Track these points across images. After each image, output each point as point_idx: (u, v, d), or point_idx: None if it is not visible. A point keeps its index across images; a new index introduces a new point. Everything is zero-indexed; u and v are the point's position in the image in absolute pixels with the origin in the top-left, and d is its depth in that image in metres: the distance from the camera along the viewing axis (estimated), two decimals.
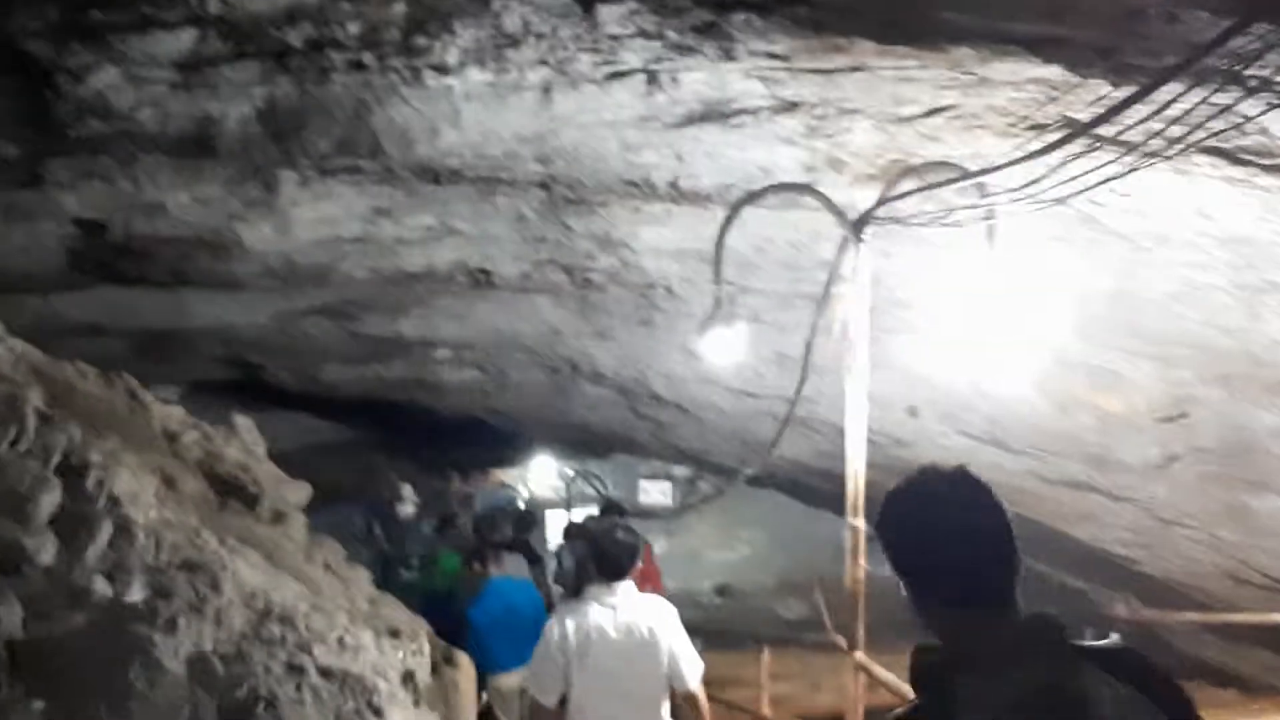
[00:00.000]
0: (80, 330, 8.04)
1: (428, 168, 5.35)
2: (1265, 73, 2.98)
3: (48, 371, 3.12)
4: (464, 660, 4.41)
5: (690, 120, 4.61)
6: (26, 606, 2.27)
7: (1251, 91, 3.08)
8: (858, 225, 4.63)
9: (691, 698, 4.75)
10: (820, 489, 10.42)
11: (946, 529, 2.20)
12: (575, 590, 5.13)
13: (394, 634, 3.07)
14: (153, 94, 4.79)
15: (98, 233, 6.37)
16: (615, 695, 4.58)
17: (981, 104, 4.05)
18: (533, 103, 4.55)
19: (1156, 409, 5.79)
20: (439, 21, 4.16)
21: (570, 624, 4.62)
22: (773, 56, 4.05)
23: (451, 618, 6.49)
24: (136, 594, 2.35)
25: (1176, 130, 3.35)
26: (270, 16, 4.28)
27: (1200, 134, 3.36)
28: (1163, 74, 3.12)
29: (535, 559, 9.01)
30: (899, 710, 2.25)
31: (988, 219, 4.37)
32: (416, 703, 3.27)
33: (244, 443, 3.53)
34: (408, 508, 13.31)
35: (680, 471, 18.52)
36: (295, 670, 2.43)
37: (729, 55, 4.07)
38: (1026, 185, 3.82)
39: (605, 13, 3.96)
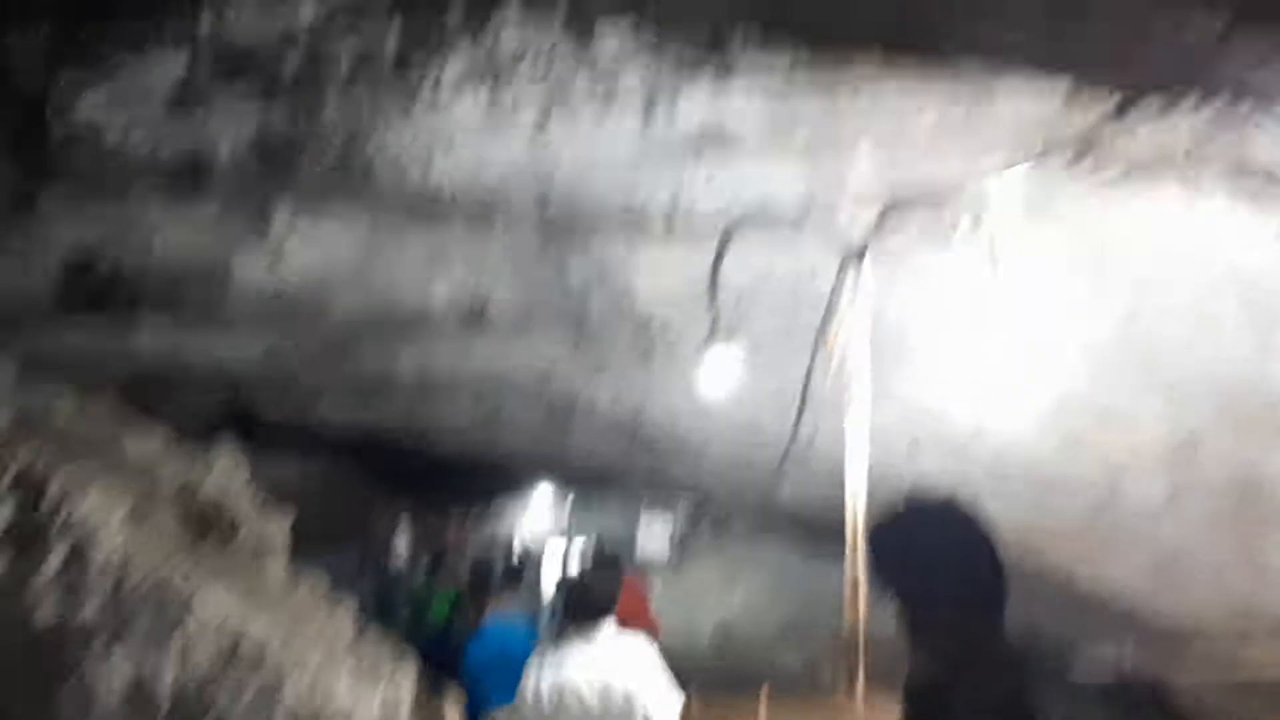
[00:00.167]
0: (71, 364, 7.93)
1: (422, 198, 5.28)
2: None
3: (21, 394, 3.05)
4: (452, 696, 4.31)
5: (688, 147, 4.56)
6: None
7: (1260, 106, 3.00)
8: (859, 250, 4.56)
9: None
10: (821, 528, 10.28)
11: (937, 555, 2.24)
12: (558, 635, 5.15)
13: (374, 670, 2.96)
14: (144, 123, 4.74)
15: (88, 265, 6.30)
16: None
17: (986, 124, 3.99)
18: (528, 130, 4.50)
19: (1164, 446, 5.69)
20: (433, 47, 4.11)
21: (546, 683, 4.63)
22: (771, 79, 3.99)
23: (446, 655, 6.44)
24: (87, 618, 2.25)
25: (1184, 146, 3.30)
26: (262, 43, 4.24)
27: (1208, 150, 3.30)
28: (1169, 88, 3.07)
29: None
30: None
31: (990, 239, 4.29)
32: None
33: (225, 471, 3.44)
34: (404, 548, 13.25)
35: (679, 512, 18.41)
36: (262, 705, 2.33)
37: (727, 80, 4.01)
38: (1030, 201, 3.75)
39: (602, 38, 3.91)
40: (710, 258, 5.28)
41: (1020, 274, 4.58)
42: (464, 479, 14.20)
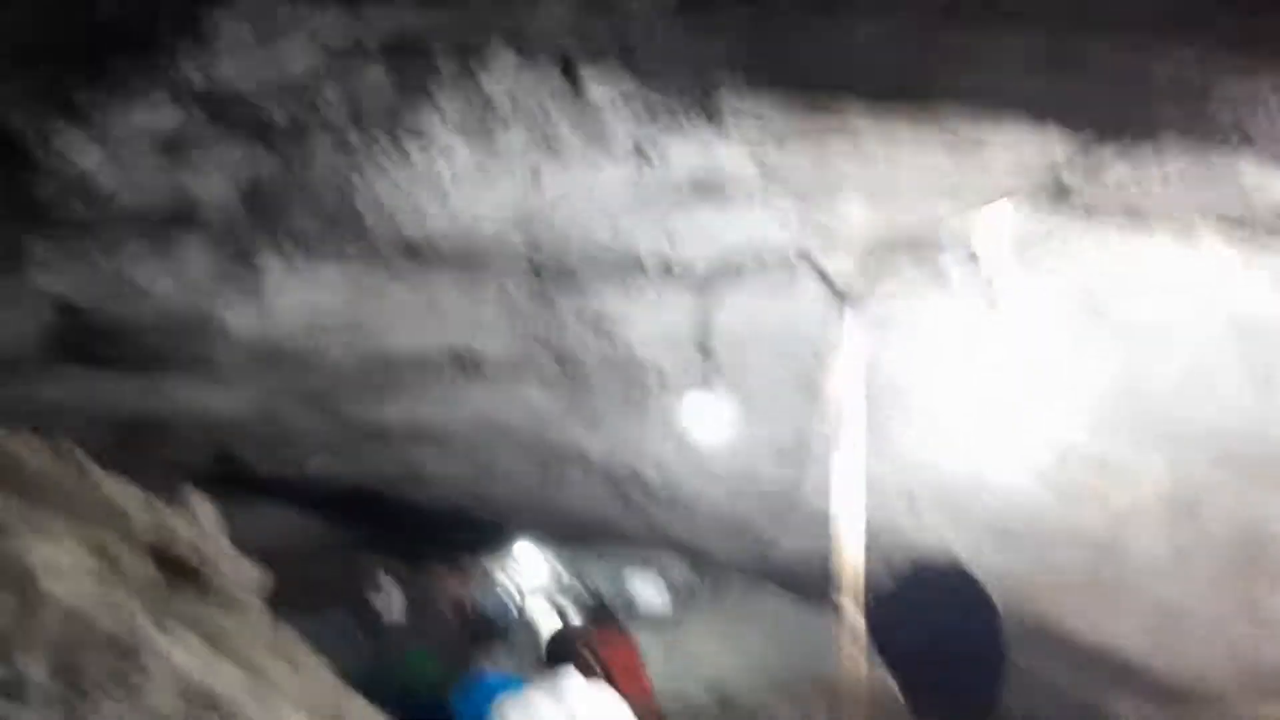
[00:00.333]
0: (58, 415, 7.91)
1: (414, 249, 5.30)
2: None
3: None
4: None
5: (679, 197, 4.58)
6: None
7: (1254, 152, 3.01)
8: (851, 298, 4.56)
9: None
10: (817, 581, 10.23)
11: (939, 628, 2.11)
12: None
13: None
14: (135, 173, 4.75)
15: (78, 315, 6.29)
16: None
17: (977, 172, 4.00)
18: (519, 179, 4.52)
19: (1166, 499, 5.66)
20: (426, 98, 4.13)
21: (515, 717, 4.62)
22: (762, 130, 4.01)
23: (429, 715, 6.42)
24: (33, 672, 2.21)
25: (1178, 193, 3.30)
26: (254, 92, 4.26)
27: (1203, 198, 3.31)
28: (1162, 135, 3.08)
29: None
30: None
31: (985, 286, 4.30)
32: None
33: (201, 522, 3.40)
34: (394, 607, 13.16)
35: (675, 569, 18.32)
36: None
37: (717, 130, 4.03)
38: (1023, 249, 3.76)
39: (592, 84, 3.93)
40: (704, 310, 5.27)
41: (1015, 323, 4.58)
42: (455, 533, 14.12)
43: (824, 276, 4.76)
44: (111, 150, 4.57)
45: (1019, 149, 3.72)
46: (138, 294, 5.94)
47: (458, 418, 8.61)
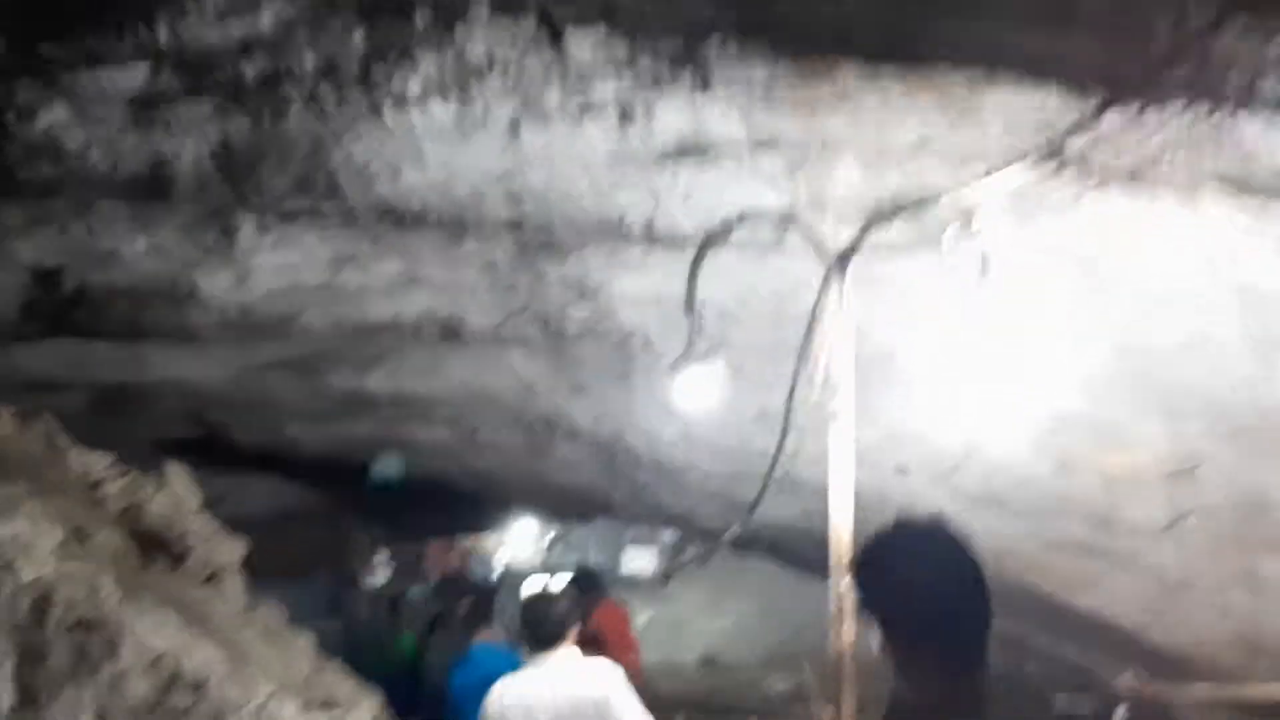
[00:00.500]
0: (35, 385, 7.86)
1: (390, 210, 5.22)
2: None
3: None
4: None
5: (665, 158, 4.51)
6: None
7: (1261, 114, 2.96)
8: (842, 259, 4.50)
9: None
10: (806, 552, 10.23)
11: (923, 580, 2.28)
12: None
13: (328, 706, 2.89)
14: (104, 133, 4.68)
15: (51, 282, 6.23)
16: None
17: (972, 134, 3.95)
18: (499, 139, 4.45)
19: (1163, 466, 5.64)
20: (399, 52, 4.07)
21: (511, 700, 4.63)
22: (751, 86, 3.95)
23: (412, 691, 6.48)
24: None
25: (1181, 155, 3.26)
26: (224, 49, 4.19)
27: (1206, 161, 3.26)
28: (1165, 95, 3.03)
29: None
30: None
31: (979, 251, 4.25)
32: None
33: (175, 494, 3.36)
34: (380, 578, 13.16)
35: (665, 538, 18.35)
36: None
37: (705, 86, 3.98)
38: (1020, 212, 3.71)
39: (574, 42, 3.87)
40: (690, 271, 5.22)
41: (1011, 287, 4.54)
42: (440, 504, 14.11)
43: (814, 240, 4.70)
44: (80, 114, 4.50)
45: (1016, 109, 3.66)
46: (110, 259, 5.87)
47: (440, 385, 8.57)
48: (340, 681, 3.36)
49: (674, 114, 4.21)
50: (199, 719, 2.32)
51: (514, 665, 6.42)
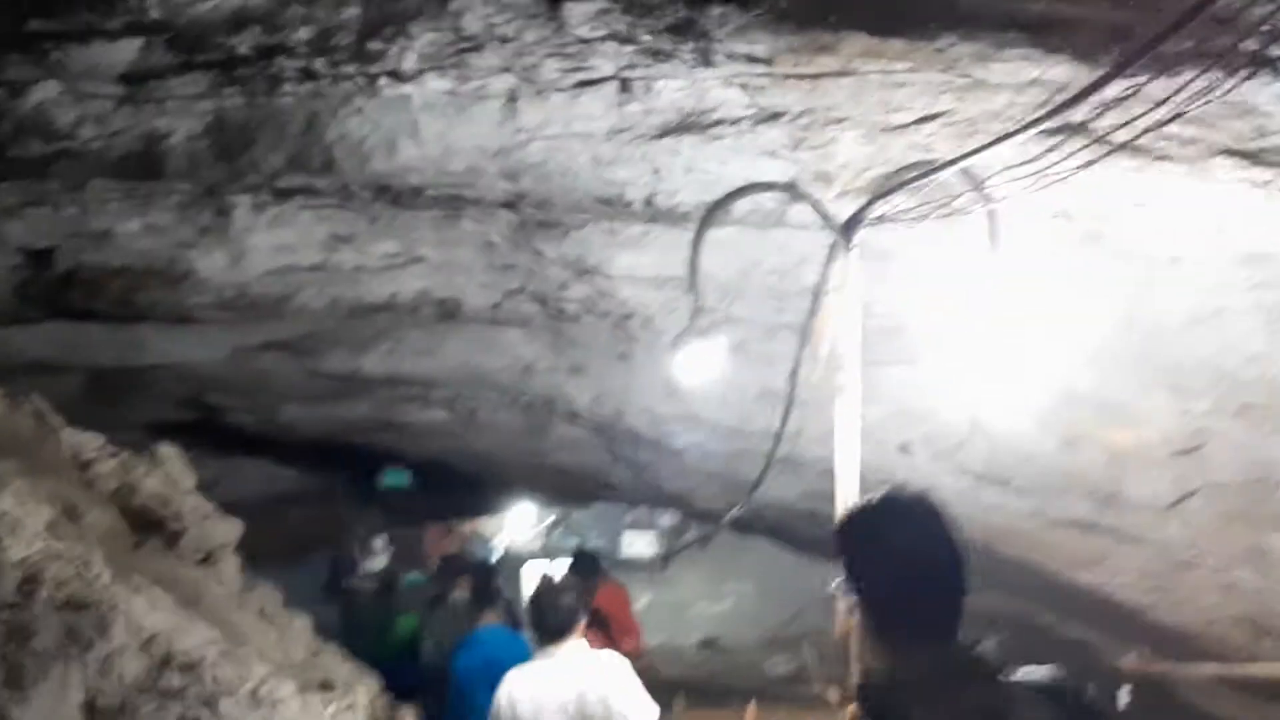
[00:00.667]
0: (29, 368, 7.83)
1: (386, 186, 5.19)
2: None
3: None
4: (411, 714, 4.24)
5: (666, 132, 4.46)
6: None
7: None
8: (847, 228, 4.45)
9: None
10: (807, 531, 10.23)
11: (902, 554, 2.35)
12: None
13: (325, 688, 2.85)
14: (95, 110, 4.64)
15: (45, 263, 6.19)
16: None
17: (978, 110, 3.90)
18: (497, 113, 4.39)
19: (1170, 442, 5.61)
20: (394, 24, 4.00)
21: (520, 694, 4.72)
22: (753, 60, 3.89)
23: (409, 673, 6.50)
24: None
25: (1192, 126, 3.21)
26: (216, 23, 4.12)
27: (1218, 132, 3.22)
28: (1176, 65, 2.98)
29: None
30: None
31: (988, 212, 4.19)
32: None
33: (169, 473, 3.32)
34: (378, 562, 13.13)
35: (665, 520, 18.35)
36: (195, 717, 2.22)
37: (707, 59, 3.92)
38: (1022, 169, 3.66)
39: (573, 13, 3.81)
40: (690, 246, 5.18)
41: (1017, 260, 4.48)
42: (438, 486, 14.09)
43: (817, 215, 4.66)
44: (69, 85, 4.45)
45: (1023, 78, 3.60)
46: (103, 239, 5.84)
47: (437, 366, 8.54)
48: (338, 663, 3.34)
49: (674, 87, 4.15)
50: (193, 700, 2.28)
51: (516, 647, 6.43)
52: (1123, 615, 7.93)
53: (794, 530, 11.07)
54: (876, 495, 2.49)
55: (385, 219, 5.70)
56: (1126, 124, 3.38)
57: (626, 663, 4.98)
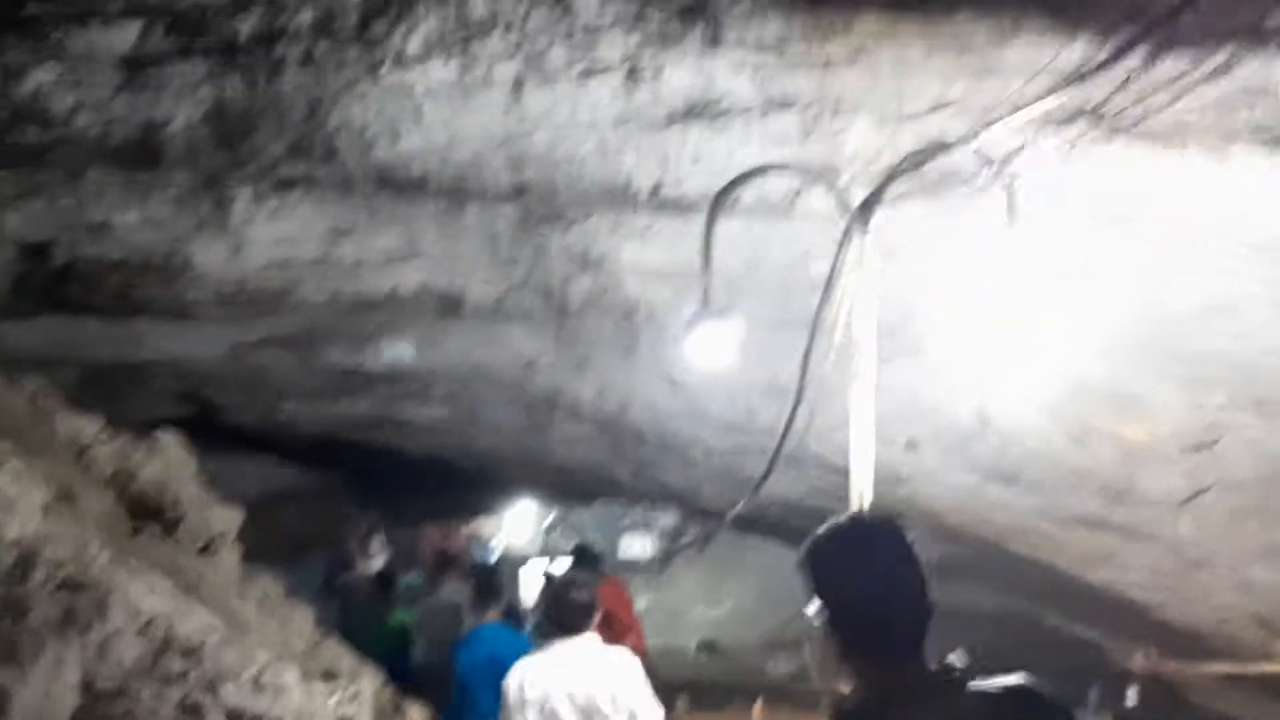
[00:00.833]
0: (26, 362, 7.76)
1: (389, 178, 5.13)
2: None
3: None
4: (415, 712, 4.20)
5: (674, 120, 4.41)
6: None
7: None
8: (864, 210, 4.38)
9: None
10: (811, 530, 10.14)
11: (868, 580, 2.44)
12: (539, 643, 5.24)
13: (330, 676, 2.80)
14: (93, 96, 4.58)
15: (41, 255, 6.14)
16: None
17: (992, 96, 3.85)
18: (502, 101, 4.34)
19: (1184, 437, 5.56)
20: (398, 8, 3.96)
21: (530, 682, 4.74)
22: (764, 47, 3.85)
23: (404, 671, 6.49)
24: None
25: (1211, 109, 3.17)
26: (218, 5, 4.09)
27: (1238, 115, 3.17)
28: (1196, 48, 2.93)
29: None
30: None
31: (1006, 189, 4.13)
32: None
33: (168, 459, 3.27)
34: (376, 562, 13.10)
35: (663, 522, 18.33)
36: (192, 711, 2.17)
37: (716, 44, 3.87)
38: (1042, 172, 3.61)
39: (582, 3, 3.77)
40: (698, 241, 5.12)
41: (1029, 249, 4.44)
42: (437, 484, 14.03)
43: (830, 199, 4.60)
44: (67, 70, 4.40)
45: (1039, 59, 3.56)
46: (101, 231, 5.78)
47: (438, 361, 8.48)
48: (340, 654, 3.29)
49: (683, 73, 4.11)
50: (194, 685, 2.23)
51: (519, 644, 6.40)
52: (1132, 614, 7.89)
53: (797, 528, 11.00)
54: (839, 520, 2.59)
55: (387, 211, 5.65)
56: (1141, 102, 3.34)
57: (637, 661, 5.02)
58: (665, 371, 7.55)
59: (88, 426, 3.10)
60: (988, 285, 4.85)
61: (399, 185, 5.26)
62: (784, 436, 5.74)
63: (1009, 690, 2.33)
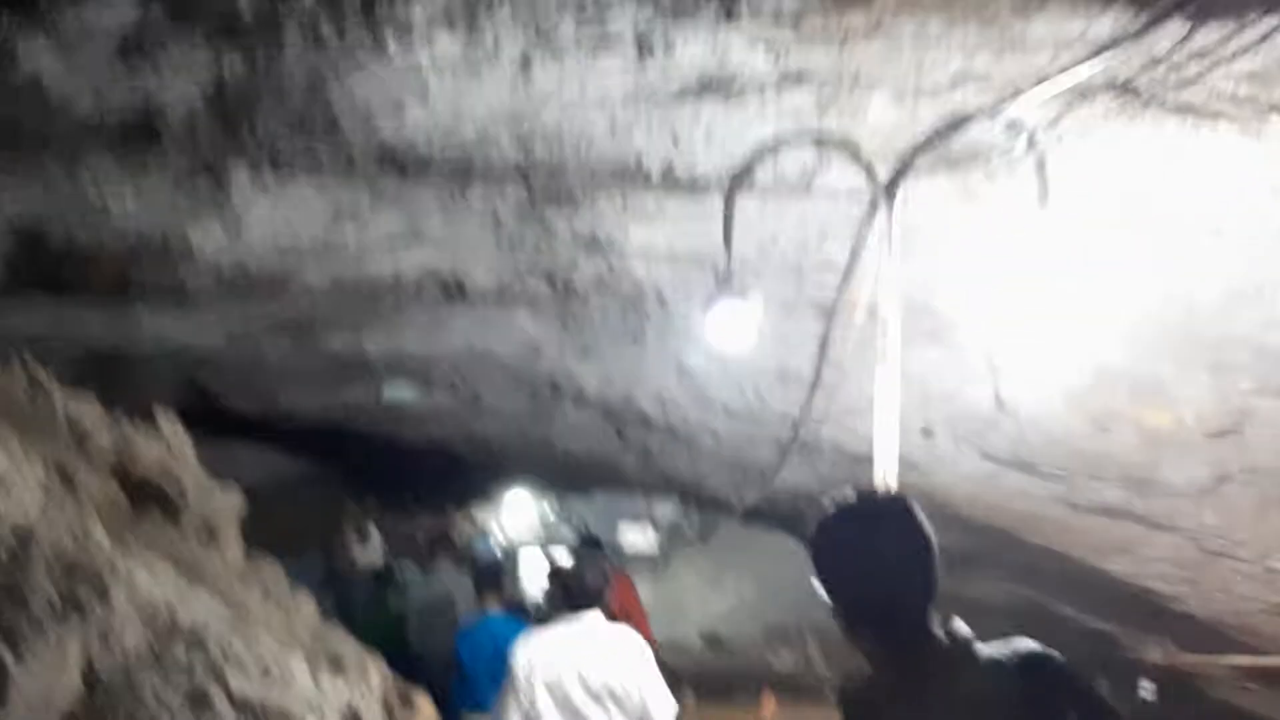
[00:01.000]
0: (20, 347, 7.73)
1: (392, 157, 5.06)
2: None
3: None
4: (423, 702, 4.16)
5: (686, 96, 4.34)
6: None
7: None
8: (874, 210, 4.33)
9: None
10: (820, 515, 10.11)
11: (877, 556, 2.47)
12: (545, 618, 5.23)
13: (336, 665, 2.75)
14: (90, 76, 4.52)
15: (36, 239, 6.08)
16: None
17: (1016, 70, 3.79)
18: (509, 75, 4.27)
19: (1207, 424, 5.49)
20: None
21: (539, 661, 4.78)
22: (779, 20, 3.78)
23: (405, 659, 6.50)
24: None
25: (1244, 87, 3.10)
26: None
27: (1272, 93, 3.11)
28: (1230, 20, 2.87)
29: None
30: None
31: (1037, 167, 4.07)
32: None
33: (169, 443, 3.22)
34: (373, 551, 13.12)
35: (664, 514, 18.34)
36: (199, 700, 2.12)
37: (730, 16, 3.81)
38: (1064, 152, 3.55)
39: None
40: (709, 223, 5.06)
41: (1051, 232, 4.37)
42: (440, 473, 14.01)
43: (847, 181, 4.55)
44: (62, 48, 4.34)
45: (1067, 31, 3.49)
46: (98, 213, 5.73)
47: (442, 349, 8.44)
48: (346, 644, 3.24)
49: (696, 47, 4.03)
50: (200, 674, 2.18)
51: (520, 632, 6.38)
52: (1151, 605, 7.85)
53: (807, 519, 10.97)
54: (846, 499, 2.64)
55: (389, 193, 5.59)
56: (1173, 76, 3.27)
57: (648, 646, 5.01)
58: (673, 358, 7.51)
59: (87, 409, 3.04)
60: (1008, 267, 4.78)
61: (402, 165, 5.20)
62: (800, 423, 5.71)
63: (1023, 658, 2.35)
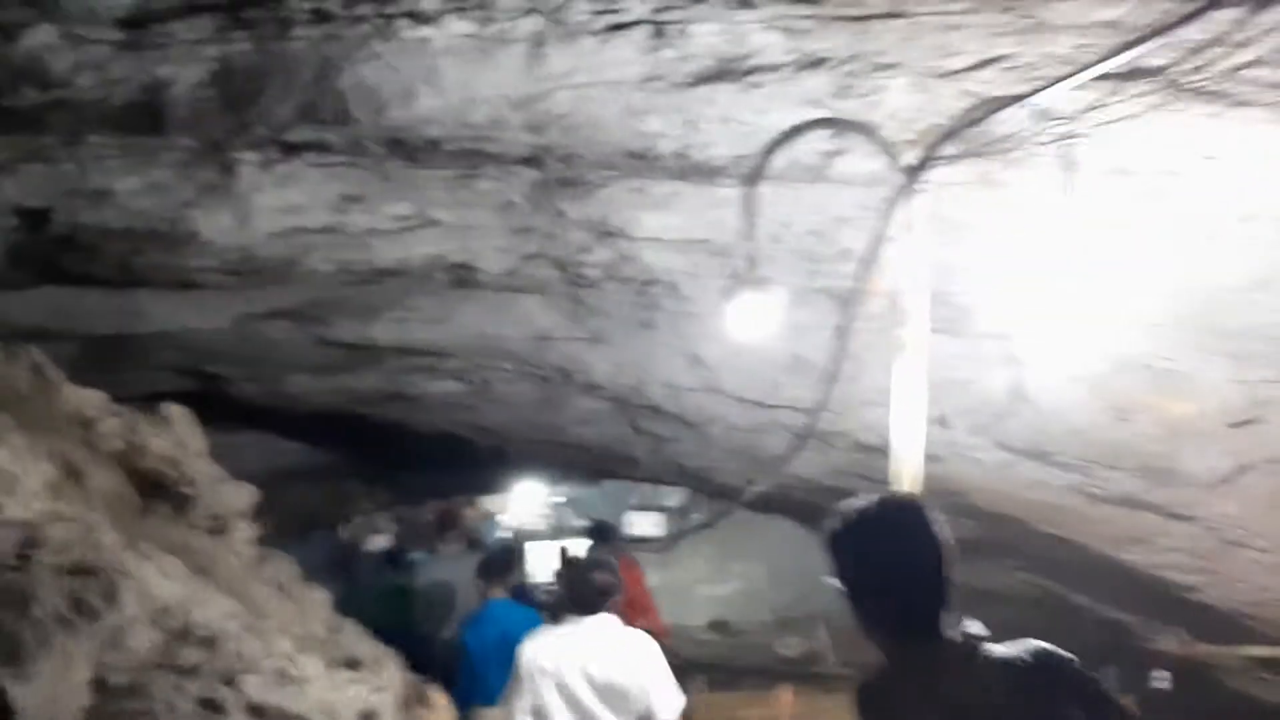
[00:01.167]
0: (23, 334, 7.69)
1: (402, 140, 5.01)
2: None
3: None
4: (440, 700, 4.13)
5: (701, 79, 4.28)
6: None
7: None
8: (891, 198, 4.27)
9: None
10: (833, 510, 10.08)
11: (892, 561, 2.56)
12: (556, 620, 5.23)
13: (352, 665, 2.71)
14: (94, 56, 4.47)
15: (40, 224, 6.05)
16: None
17: (1040, 53, 3.73)
18: (522, 59, 4.22)
19: (1227, 413, 5.46)
20: None
21: (545, 657, 4.75)
22: (797, 1, 3.73)
23: (418, 651, 6.47)
24: None
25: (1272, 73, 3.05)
26: None
27: None
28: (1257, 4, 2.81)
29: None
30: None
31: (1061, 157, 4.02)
32: None
33: (178, 433, 3.17)
34: (383, 540, 13.12)
35: (672, 502, 18.34)
36: (211, 706, 2.07)
37: (745, 10, 3.76)
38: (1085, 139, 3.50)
39: None
40: (723, 209, 5.01)
41: (1073, 219, 4.32)
42: (449, 460, 13.99)
43: (867, 166, 4.50)
44: (66, 28, 4.29)
45: (1091, 18, 3.44)
46: (102, 198, 5.69)
47: (451, 336, 8.41)
48: (361, 640, 3.20)
49: (711, 31, 3.99)
50: (213, 677, 2.13)
51: (529, 621, 6.37)
52: (1167, 595, 7.81)
53: (817, 507, 10.94)
54: (862, 502, 2.70)
55: (399, 178, 5.55)
56: (1201, 59, 3.22)
57: (657, 646, 5.00)
58: (685, 346, 7.47)
59: (93, 399, 2.99)
60: (1030, 255, 4.74)
61: (412, 149, 5.16)
62: (817, 411, 5.66)
63: (1034, 656, 2.39)
